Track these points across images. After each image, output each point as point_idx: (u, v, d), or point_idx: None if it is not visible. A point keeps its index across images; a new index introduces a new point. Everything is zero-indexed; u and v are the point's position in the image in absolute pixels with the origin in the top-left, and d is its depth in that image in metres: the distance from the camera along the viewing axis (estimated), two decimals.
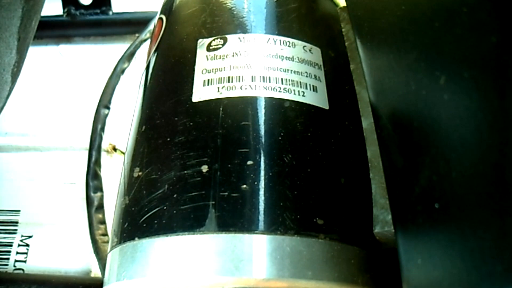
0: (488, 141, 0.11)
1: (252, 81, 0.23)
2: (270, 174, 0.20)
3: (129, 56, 0.41)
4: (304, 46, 0.25)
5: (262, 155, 0.21)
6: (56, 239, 0.43)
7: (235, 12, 0.26)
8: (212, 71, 0.24)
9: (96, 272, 0.41)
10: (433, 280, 0.13)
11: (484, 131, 0.11)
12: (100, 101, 0.39)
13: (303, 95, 0.23)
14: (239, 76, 0.23)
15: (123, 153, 0.47)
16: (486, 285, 0.11)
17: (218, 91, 0.23)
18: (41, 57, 0.54)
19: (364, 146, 0.23)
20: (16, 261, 0.43)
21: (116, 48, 0.51)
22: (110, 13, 0.55)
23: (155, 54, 0.28)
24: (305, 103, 0.23)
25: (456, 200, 0.12)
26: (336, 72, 0.25)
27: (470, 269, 0.11)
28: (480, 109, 0.11)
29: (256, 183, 0.20)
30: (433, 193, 0.13)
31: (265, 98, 0.22)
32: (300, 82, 0.23)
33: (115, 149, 0.47)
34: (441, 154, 0.12)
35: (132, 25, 0.53)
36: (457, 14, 0.12)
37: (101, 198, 0.36)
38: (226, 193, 0.20)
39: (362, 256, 0.20)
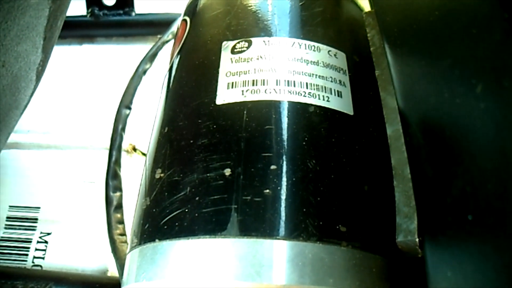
0: None
1: (277, 85, 0.23)
2: (294, 179, 0.20)
3: (151, 57, 0.42)
4: (329, 51, 0.25)
5: (285, 159, 0.20)
6: (75, 237, 0.44)
7: (260, 15, 0.26)
8: (237, 74, 0.24)
9: (113, 272, 0.42)
10: None
11: None
12: (121, 101, 0.39)
13: (327, 100, 0.23)
14: (264, 80, 0.23)
15: (143, 154, 0.47)
16: None
17: (243, 94, 0.23)
18: (64, 56, 0.54)
19: (388, 153, 0.22)
20: (34, 257, 0.43)
21: (138, 49, 0.51)
22: (133, 14, 0.55)
23: (179, 56, 0.28)
24: (330, 108, 0.22)
25: (492, 212, 0.11)
26: (361, 78, 0.25)
27: (504, 284, 0.11)
28: None
29: (279, 188, 0.20)
30: (466, 204, 0.12)
31: (289, 102, 0.22)
32: (325, 87, 0.23)
33: (135, 149, 0.47)
34: (476, 164, 0.12)
35: (154, 26, 0.54)
36: (497, 20, 0.11)
37: (120, 197, 0.36)
38: (249, 197, 0.20)
39: (384, 265, 0.20)
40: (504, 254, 0.11)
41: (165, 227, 0.20)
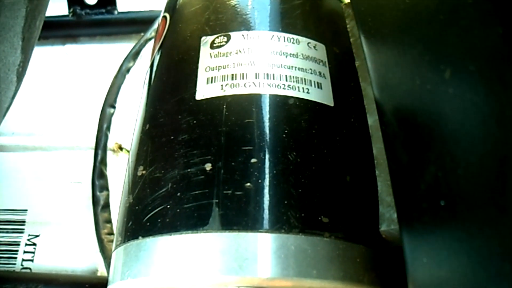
0: (495, 135, 0.10)
1: (256, 78, 0.23)
2: (274, 172, 0.20)
3: (134, 55, 0.42)
4: (308, 43, 0.25)
5: (266, 152, 0.20)
6: (63, 238, 0.43)
7: (238, 9, 0.26)
8: (216, 69, 0.23)
9: (102, 271, 0.41)
10: (439, 280, 0.12)
11: (490, 125, 0.11)
12: (105, 100, 0.39)
13: (307, 92, 0.23)
14: (243, 74, 0.23)
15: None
16: (493, 285, 0.10)
17: (222, 88, 0.23)
18: (47, 57, 0.54)
19: (369, 143, 0.22)
20: (23, 260, 0.43)
21: (122, 47, 0.51)
22: (116, 12, 0.55)
23: (159, 53, 0.28)
24: (310, 100, 0.22)
25: (463, 197, 0.11)
26: (341, 69, 0.25)
27: (477, 268, 0.11)
28: (486, 102, 0.11)
29: (260, 181, 0.20)
30: (439, 190, 0.12)
31: (269, 95, 0.22)
32: (305, 79, 0.23)
33: (121, 148, 0.47)
34: (446, 149, 0.12)
35: (137, 24, 0.53)
36: (462, 6, 0.12)
37: (107, 197, 0.36)
38: (230, 192, 0.20)
39: (368, 254, 0.20)
40: (475, 239, 0.11)
41: (148, 224, 0.20)
